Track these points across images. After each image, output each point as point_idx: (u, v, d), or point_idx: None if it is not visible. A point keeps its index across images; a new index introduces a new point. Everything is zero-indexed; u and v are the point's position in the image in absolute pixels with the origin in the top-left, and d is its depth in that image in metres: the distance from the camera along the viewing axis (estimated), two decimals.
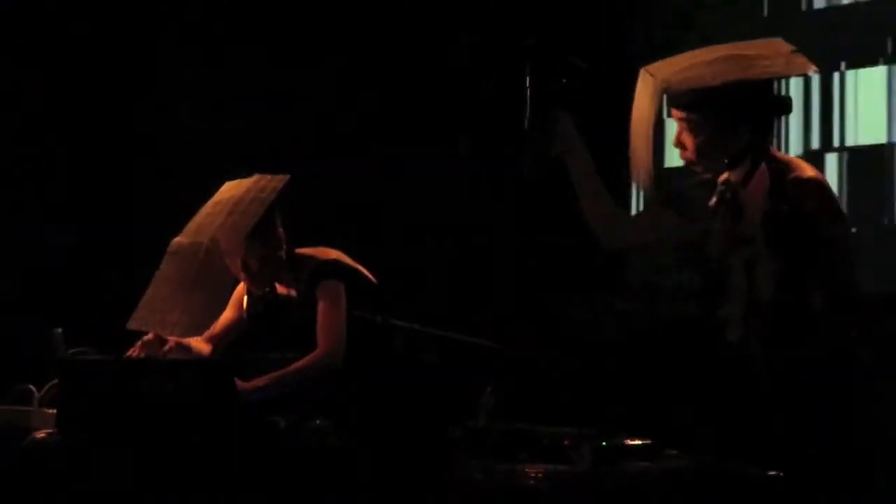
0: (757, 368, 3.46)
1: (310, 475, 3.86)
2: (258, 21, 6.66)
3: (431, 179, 6.43)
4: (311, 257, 4.45)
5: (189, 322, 4.21)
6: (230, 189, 4.38)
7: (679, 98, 3.53)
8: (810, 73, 3.53)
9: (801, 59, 3.51)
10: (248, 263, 4.35)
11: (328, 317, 4.33)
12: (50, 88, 6.49)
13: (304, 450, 3.90)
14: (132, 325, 4.23)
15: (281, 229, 4.42)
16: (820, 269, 3.42)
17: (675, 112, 3.57)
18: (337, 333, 4.31)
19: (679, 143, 3.57)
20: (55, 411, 3.95)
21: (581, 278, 6.46)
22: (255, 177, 4.38)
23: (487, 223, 6.38)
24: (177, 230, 4.32)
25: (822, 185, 3.47)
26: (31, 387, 4.13)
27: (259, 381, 4.19)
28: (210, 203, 4.36)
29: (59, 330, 4.21)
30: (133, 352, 4.27)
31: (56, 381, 4.03)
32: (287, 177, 4.34)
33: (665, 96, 3.53)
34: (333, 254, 4.48)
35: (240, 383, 4.08)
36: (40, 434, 3.95)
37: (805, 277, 3.42)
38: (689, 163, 3.58)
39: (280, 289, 4.47)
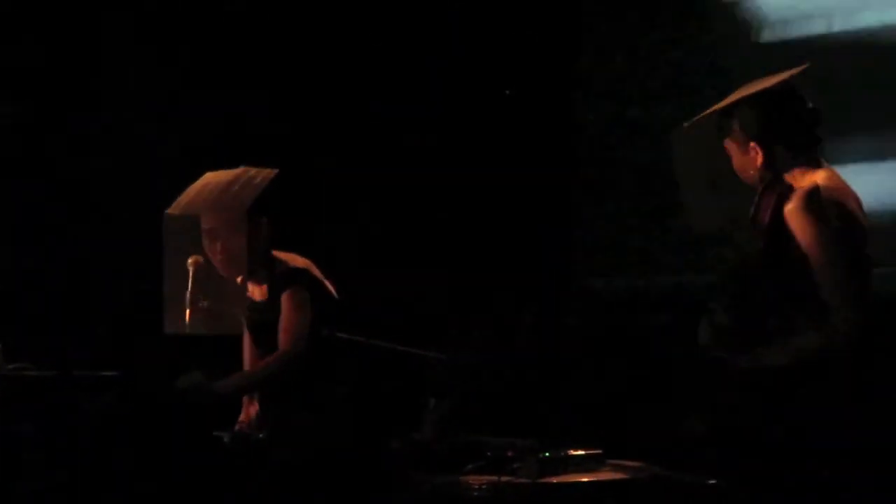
0: (724, 374, 3.51)
1: (254, 488, 3.85)
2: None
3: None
4: (283, 261, 4.44)
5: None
6: (216, 175, 4.36)
7: (720, 128, 3.62)
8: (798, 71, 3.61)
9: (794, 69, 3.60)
10: (228, 246, 4.32)
11: (293, 321, 4.33)
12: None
13: (247, 464, 3.89)
14: (172, 209, 4.23)
15: (266, 220, 4.40)
16: (794, 286, 3.46)
17: (725, 143, 3.65)
18: (300, 336, 4.31)
19: (736, 168, 3.64)
20: None
21: (531, 286, 6.46)
22: (242, 168, 4.36)
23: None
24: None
25: (809, 199, 3.46)
26: None
27: (232, 380, 4.26)
28: (198, 183, 4.33)
29: None
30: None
31: None
32: (276, 171, 4.32)
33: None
34: (302, 262, 4.46)
35: (217, 384, 4.15)
36: None
37: (776, 293, 3.47)
38: (752, 183, 3.63)
39: (251, 286, 4.46)
